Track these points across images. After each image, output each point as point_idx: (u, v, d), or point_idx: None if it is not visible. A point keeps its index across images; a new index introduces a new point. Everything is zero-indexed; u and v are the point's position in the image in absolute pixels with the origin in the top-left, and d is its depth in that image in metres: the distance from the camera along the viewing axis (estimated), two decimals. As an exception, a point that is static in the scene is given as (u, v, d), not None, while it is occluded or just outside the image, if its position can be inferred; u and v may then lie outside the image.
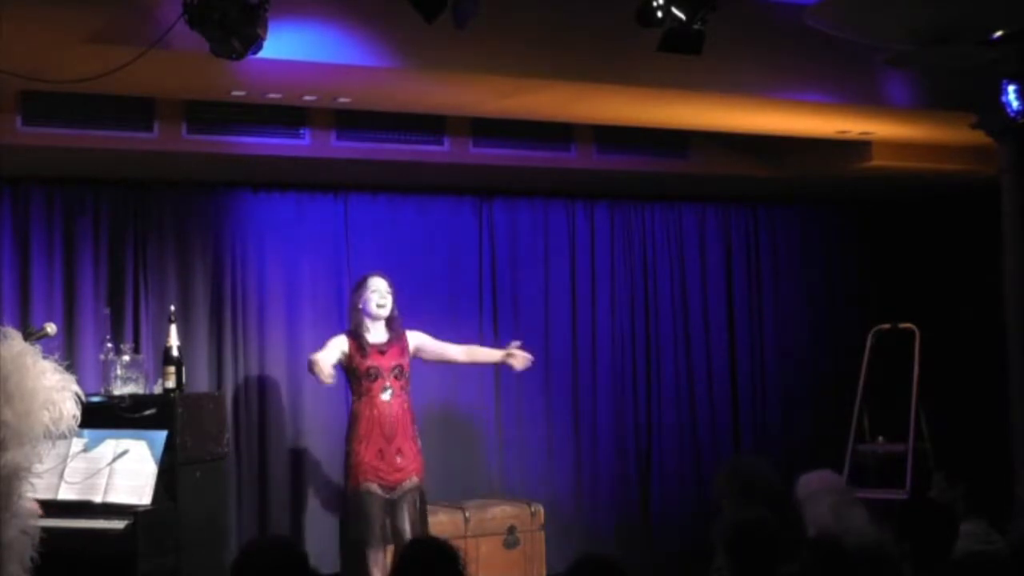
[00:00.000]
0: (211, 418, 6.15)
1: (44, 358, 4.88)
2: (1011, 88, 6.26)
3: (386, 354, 6.55)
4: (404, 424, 6.51)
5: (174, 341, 6.15)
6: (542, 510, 7.69)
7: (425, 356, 6.82)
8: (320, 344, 6.64)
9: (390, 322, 6.62)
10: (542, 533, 7.66)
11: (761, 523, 4.01)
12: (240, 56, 4.51)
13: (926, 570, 4.13)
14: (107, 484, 5.69)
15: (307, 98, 6.22)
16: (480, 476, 8.01)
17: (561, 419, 8.33)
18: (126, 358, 6.14)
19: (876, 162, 7.89)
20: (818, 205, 9.45)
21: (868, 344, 8.74)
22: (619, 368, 8.54)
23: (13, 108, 6.14)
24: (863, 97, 6.74)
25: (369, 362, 6.50)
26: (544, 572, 7.63)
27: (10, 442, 4.55)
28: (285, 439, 7.42)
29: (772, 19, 6.09)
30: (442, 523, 7.11)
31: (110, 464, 5.73)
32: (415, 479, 6.53)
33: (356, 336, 6.55)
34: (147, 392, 6.13)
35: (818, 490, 4.75)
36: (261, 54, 4.59)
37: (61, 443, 5.30)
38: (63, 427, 4.86)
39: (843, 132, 7.42)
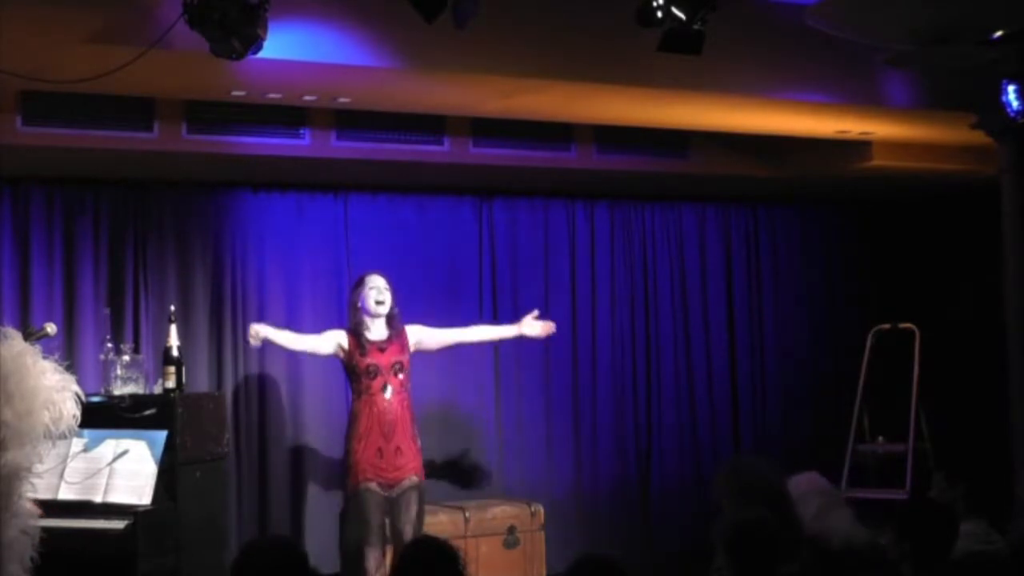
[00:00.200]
0: (211, 418, 6.14)
1: (44, 358, 4.89)
2: (1011, 88, 6.25)
3: (386, 351, 6.50)
4: (404, 422, 6.47)
5: (174, 341, 6.15)
6: (542, 510, 7.69)
7: (430, 347, 6.75)
8: (320, 342, 6.67)
9: (390, 320, 6.59)
10: (542, 533, 7.66)
11: (761, 523, 4.00)
12: (240, 56, 4.51)
13: (926, 570, 4.12)
14: (107, 484, 5.69)
15: (307, 98, 6.22)
16: (480, 476, 8.00)
17: (561, 419, 8.32)
18: (126, 358, 6.14)
19: (876, 162, 7.89)
20: (818, 205, 9.44)
21: (868, 344, 8.75)
22: (619, 368, 8.54)
23: (13, 108, 6.14)
24: (863, 97, 6.74)
25: (369, 360, 6.47)
26: (544, 572, 7.63)
27: (10, 442, 4.55)
28: (285, 439, 7.42)
29: (772, 19, 6.09)
30: (442, 523, 7.10)
31: (110, 464, 5.73)
32: (415, 478, 6.49)
33: (356, 334, 6.53)
34: (147, 392, 6.12)
35: (807, 492, 4.74)
36: (261, 54, 4.59)
37: (61, 443, 5.30)
38: (63, 427, 4.87)
39: (843, 132, 7.42)
